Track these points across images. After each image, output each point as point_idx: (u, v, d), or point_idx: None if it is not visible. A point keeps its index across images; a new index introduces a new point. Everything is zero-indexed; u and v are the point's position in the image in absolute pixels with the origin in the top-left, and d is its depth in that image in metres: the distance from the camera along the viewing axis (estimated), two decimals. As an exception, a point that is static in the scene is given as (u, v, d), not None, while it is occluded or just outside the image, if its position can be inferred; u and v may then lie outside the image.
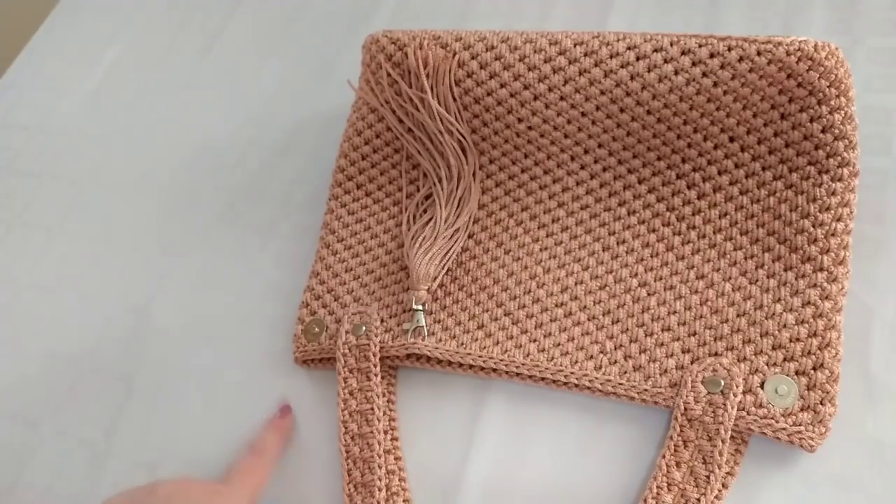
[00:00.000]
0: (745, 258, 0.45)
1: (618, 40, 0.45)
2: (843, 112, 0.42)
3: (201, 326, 0.54)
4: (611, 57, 0.45)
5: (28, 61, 0.75)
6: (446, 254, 0.49)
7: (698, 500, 0.40)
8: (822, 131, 0.43)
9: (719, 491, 0.40)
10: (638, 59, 0.45)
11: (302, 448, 0.48)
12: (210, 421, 0.50)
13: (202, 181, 0.61)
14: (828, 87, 0.42)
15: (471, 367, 0.47)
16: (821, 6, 0.56)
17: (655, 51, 0.44)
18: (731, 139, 0.45)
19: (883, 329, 0.44)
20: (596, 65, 0.46)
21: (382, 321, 0.48)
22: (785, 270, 0.43)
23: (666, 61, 0.44)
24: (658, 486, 0.40)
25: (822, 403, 0.40)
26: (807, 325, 0.41)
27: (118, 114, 0.68)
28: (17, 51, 0.75)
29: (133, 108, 0.68)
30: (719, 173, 0.46)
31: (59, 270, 0.60)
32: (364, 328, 0.48)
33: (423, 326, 0.47)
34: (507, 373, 0.46)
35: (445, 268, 0.49)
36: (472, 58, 0.48)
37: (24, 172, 0.67)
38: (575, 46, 0.46)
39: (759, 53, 0.42)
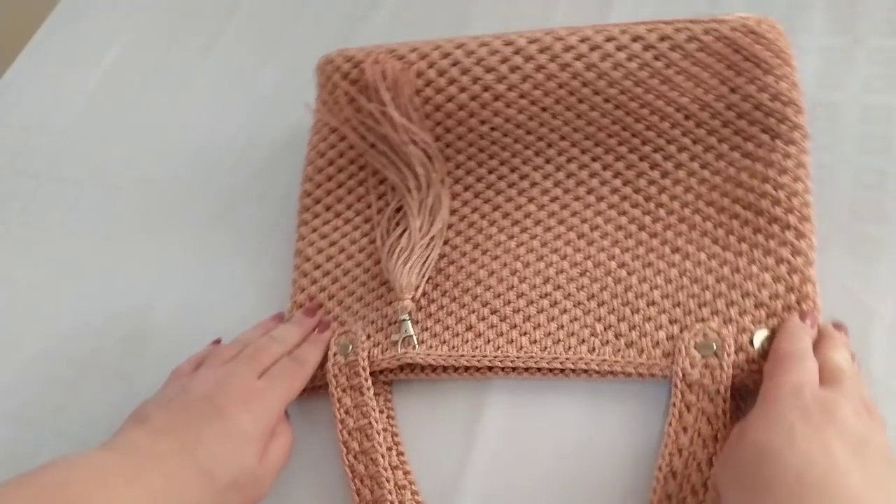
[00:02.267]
0: (715, 227, 0.46)
1: (570, 34, 0.47)
2: (788, 80, 0.45)
3: (201, 326, 0.53)
4: (565, 51, 0.47)
5: (28, 61, 0.74)
6: (425, 262, 0.49)
7: (709, 460, 0.41)
8: (771, 100, 0.45)
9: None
10: (591, 49, 0.47)
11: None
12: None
13: (202, 181, 0.61)
14: (772, 57, 0.45)
15: (465, 369, 0.47)
16: (821, 6, 0.56)
17: (607, 40, 0.46)
18: (686, 117, 0.48)
19: (883, 329, 0.44)
20: (552, 60, 0.47)
21: (369, 337, 0.48)
22: (755, 233, 0.45)
23: (618, 49, 0.46)
24: (670, 454, 0.41)
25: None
26: (783, 282, 0.44)
27: (118, 114, 0.68)
28: (17, 51, 0.75)
29: (133, 108, 0.68)
30: (679, 151, 0.48)
31: (59, 270, 0.59)
32: (350, 346, 0.47)
33: (412, 336, 0.47)
34: (502, 370, 0.46)
35: (426, 276, 0.49)
36: (430, 66, 0.49)
37: (24, 172, 0.66)
38: (529, 44, 0.48)
39: (705, 32, 0.45)
